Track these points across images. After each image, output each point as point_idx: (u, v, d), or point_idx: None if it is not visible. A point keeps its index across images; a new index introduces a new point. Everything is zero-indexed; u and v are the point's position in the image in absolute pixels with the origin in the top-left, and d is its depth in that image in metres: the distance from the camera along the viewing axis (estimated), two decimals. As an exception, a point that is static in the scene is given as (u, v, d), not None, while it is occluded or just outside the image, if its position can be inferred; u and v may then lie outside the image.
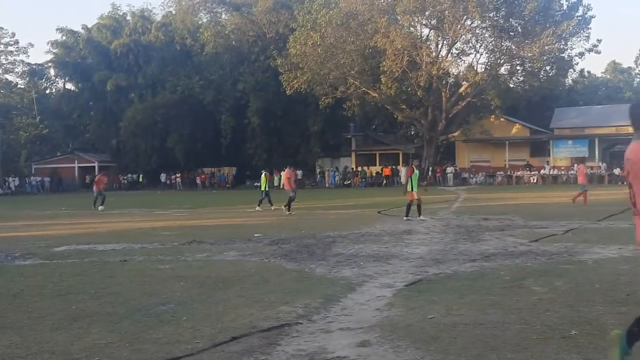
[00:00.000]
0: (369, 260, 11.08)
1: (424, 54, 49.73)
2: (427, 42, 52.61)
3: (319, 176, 57.37)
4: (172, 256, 12.09)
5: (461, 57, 52.75)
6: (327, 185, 53.85)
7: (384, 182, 52.34)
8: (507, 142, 52.12)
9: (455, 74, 53.46)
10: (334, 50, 49.50)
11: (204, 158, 60.22)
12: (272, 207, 25.25)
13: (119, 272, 10.41)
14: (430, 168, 52.54)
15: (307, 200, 33.36)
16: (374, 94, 51.14)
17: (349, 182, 54.02)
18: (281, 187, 52.47)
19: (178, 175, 61.09)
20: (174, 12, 69.47)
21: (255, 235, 15.50)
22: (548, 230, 15.05)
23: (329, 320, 6.81)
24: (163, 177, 61.90)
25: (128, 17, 72.50)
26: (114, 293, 8.57)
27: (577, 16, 48.96)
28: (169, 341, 6.11)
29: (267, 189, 26.08)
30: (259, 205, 25.88)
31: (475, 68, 51.37)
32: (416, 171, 19.71)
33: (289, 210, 23.18)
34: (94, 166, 62.04)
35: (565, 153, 50.33)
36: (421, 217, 19.02)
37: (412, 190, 19.15)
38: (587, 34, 49.46)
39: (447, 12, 47.49)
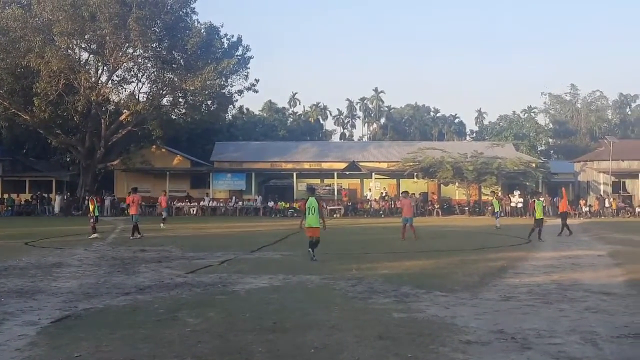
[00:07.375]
0: (11, 295, 10.27)
1: (83, 78, 47.59)
2: (87, 67, 50.61)
3: (-47, 204, 51.03)
4: None
5: (122, 84, 51.66)
6: (-37, 214, 48.29)
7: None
8: (167, 172, 52.47)
9: (116, 101, 51.95)
10: (-21, 67, 45.10)
11: None
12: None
13: None
14: (87, 197, 50.39)
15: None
16: (25, 117, 47.64)
17: (-7, 210, 49.17)
18: None
19: None
20: None
21: None
22: (204, 261, 15.28)
23: (-47, 369, 6.04)
24: None
25: None
26: None
27: (237, 55, 51.63)
28: None
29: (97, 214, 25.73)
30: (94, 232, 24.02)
31: (137, 97, 50.78)
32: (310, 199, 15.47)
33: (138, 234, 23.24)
34: None
35: (225, 185, 52.33)
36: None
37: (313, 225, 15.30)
38: (246, 73, 52.37)
39: (108, 37, 46.30)
